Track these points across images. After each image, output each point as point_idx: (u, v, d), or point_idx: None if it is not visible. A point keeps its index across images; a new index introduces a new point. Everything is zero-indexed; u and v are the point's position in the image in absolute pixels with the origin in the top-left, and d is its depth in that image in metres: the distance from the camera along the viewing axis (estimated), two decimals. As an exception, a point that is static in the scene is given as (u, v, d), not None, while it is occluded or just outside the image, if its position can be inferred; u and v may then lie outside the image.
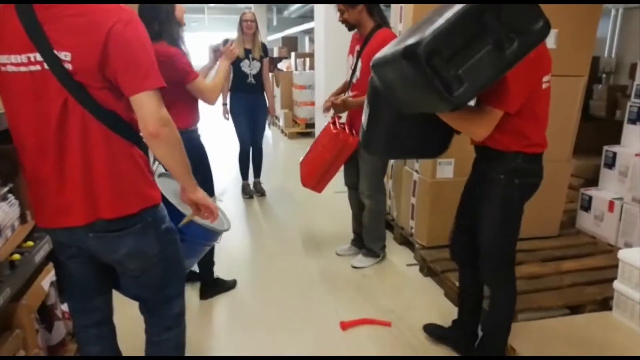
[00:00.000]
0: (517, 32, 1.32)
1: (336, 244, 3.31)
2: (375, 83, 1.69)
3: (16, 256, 1.61)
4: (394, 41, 1.61)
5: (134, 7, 2.20)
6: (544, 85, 1.66)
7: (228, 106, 4.36)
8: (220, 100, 4.31)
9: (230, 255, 3.19)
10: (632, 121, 3.08)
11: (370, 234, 3.02)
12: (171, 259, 1.54)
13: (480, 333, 2.03)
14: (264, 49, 4.38)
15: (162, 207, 1.49)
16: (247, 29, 4.17)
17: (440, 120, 1.69)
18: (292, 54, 9.73)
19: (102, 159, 1.29)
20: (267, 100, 4.48)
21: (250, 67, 4.24)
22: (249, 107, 4.32)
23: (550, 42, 2.82)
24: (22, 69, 1.22)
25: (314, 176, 2.90)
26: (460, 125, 1.67)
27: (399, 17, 3.14)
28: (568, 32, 2.80)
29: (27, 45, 1.20)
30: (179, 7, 2.30)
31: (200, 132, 2.51)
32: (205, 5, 15.20)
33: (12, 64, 1.23)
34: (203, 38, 17.66)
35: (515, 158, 1.69)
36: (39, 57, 1.20)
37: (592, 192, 3.16)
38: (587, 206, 3.16)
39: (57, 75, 1.21)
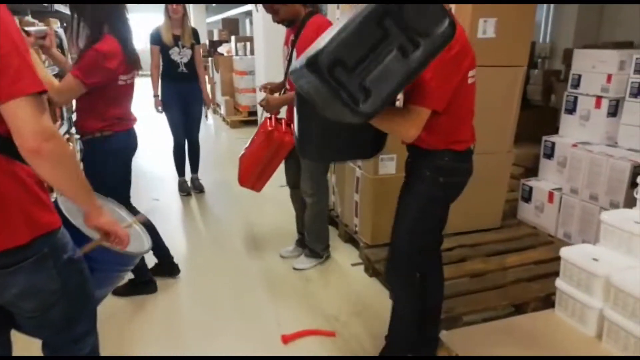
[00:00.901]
0: (422, 35, 1.24)
1: (280, 245, 3.15)
2: (299, 89, 1.55)
3: None
4: (327, 31, 1.43)
5: None
6: (470, 81, 1.59)
7: (160, 97, 4.04)
8: (151, 91, 4.02)
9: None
10: (569, 111, 3.10)
11: (312, 234, 2.88)
12: (77, 293, 1.30)
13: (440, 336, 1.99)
14: (195, 35, 4.07)
15: (63, 233, 1.25)
16: (174, 12, 3.83)
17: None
18: (233, 37, 9.32)
19: None
20: (201, 90, 4.18)
21: (180, 55, 3.94)
22: (182, 97, 4.02)
23: (490, 31, 2.75)
24: None
25: (251, 175, 2.72)
26: (388, 127, 1.56)
27: None
28: (507, 21, 2.74)
29: None
30: None
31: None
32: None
33: None
34: (133, 19, 16.70)
35: (442, 156, 1.64)
36: None
37: (532, 182, 3.17)
38: (527, 197, 3.17)
39: None
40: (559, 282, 2.14)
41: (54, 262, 1.19)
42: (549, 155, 3.12)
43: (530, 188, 3.15)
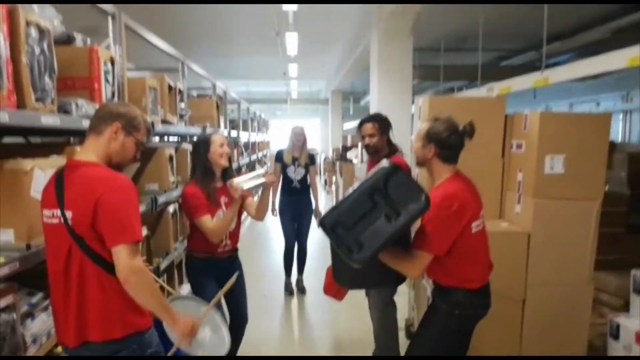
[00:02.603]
0: (402, 206, 1.69)
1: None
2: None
3: (45, 362, 1.96)
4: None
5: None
6: (475, 230, 1.89)
7: (277, 205, 4.79)
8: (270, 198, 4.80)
9: (251, 350, 3.35)
10: (661, 246, 2.94)
11: (379, 345, 3.09)
12: None
13: None
14: (311, 158, 4.83)
15: (151, 333, 1.77)
16: (297, 141, 4.69)
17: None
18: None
19: (95, 292, 1.62)
20: (313, 202, 4.83)
21: (295, 173, 4.69)
22: (295, 208, 4.73)
23: (558, 167, 2.89)
24: (50, 220, 1.64)
25: (334, 285, 3.09)
26: (395, 265, 1.91)
27: (418, 114, 3.42)
28: (576, 156, 2.85)
29: (53, 203, 1.62)
30: (214, 151, 2.64)
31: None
32: (288, 97, 16.66)
33: (46, 216, 1.65)
34: (286, 124, 19.37)
35: (456, 293, 1.90)
36: (58, 213, 1.61)
37: (620, 319, 2.98)
38: (615, 334, 2.97)
39: (66, 228, 1.59)
40: None
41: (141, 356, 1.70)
42: (639, 290, 2.94)
43: (618, 325, 2.96)
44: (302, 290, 4.85)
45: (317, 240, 6.79)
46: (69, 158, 1.72)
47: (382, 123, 3.05)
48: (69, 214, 1.59)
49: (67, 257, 1.62)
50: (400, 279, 2.18)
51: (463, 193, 1.89)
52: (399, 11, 5.68)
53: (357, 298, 3.08)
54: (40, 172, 1.81)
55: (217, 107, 5.84)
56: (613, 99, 8.31)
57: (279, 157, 4.80)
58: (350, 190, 1.80)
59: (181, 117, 4.13)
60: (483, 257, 2.00)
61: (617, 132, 8.12)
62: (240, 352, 2.99)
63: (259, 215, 2.80)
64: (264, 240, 7.06)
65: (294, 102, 17.14)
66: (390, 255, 1.91)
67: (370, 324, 3.24)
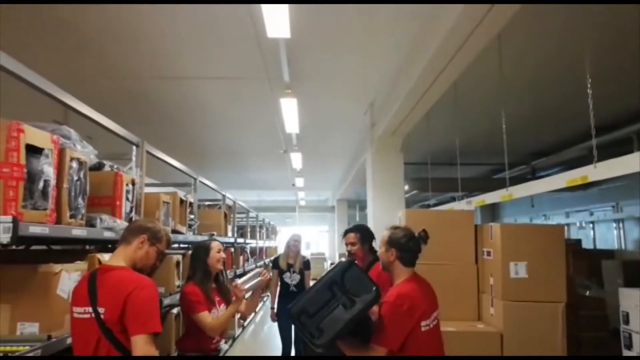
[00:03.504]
0: (357, 296, 2.01)
1: None
2: None
3: None
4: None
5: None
6: (424, 328, 2.11)
7: (275, 310, 5.02)
8: (269, 303, 5.04)
9: None
10: (627, 347, 3.13)
11: None
12: None
13: None
14: (306, 264, 5.16)
15: None
16: (293, 247, 5.08)
17: None
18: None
19: None
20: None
21: (291, 279, 4.99)
22: (291, 312, 4.93)
23: (522, 272, 3.20)
24: (80, 316, 1.95)
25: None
26: (353, 355, 2.13)
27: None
28: (536, 262, 3.18)
29: (85, 301, 1.94)
30: (212, 256, 2.95)
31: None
32: (297, 205, 17.35)
33: (76, 312, 1.97)
34: (295, 230, 19.95)
35: None
36: (90, 310, 1.92)
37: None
38: (628, 344, 3.04)
39: (97, 322, 1.90)
40: None
41: None
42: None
43: (630, 334, 3.01)
44: (300, 396, 4.87)
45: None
46: (100, 263, 2.11)
47: (363, 233, 3.41)
48: (101, 310, 1.91)
49: (96, 347, 1.91)
50: None
51: (415, 294, 2.15)
52: (390, 133, 6.39)
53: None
54: (66, 274, 2.20)
55: (225, 216, 6.36)
56: (603, 208, 8.75)
57: (275, 264, 5.15)
58: (315, 284, 2.13)
59: (190, 226, 4.59)
60: (433, 353, 2.18)
61: (613, 240, 8.43)
62: None
63: (247, 312, 3.06)
64: (266, 346, 7.06)
65: (302, 210, 17.79)
66: (349, 346, 2.14)
67: None
